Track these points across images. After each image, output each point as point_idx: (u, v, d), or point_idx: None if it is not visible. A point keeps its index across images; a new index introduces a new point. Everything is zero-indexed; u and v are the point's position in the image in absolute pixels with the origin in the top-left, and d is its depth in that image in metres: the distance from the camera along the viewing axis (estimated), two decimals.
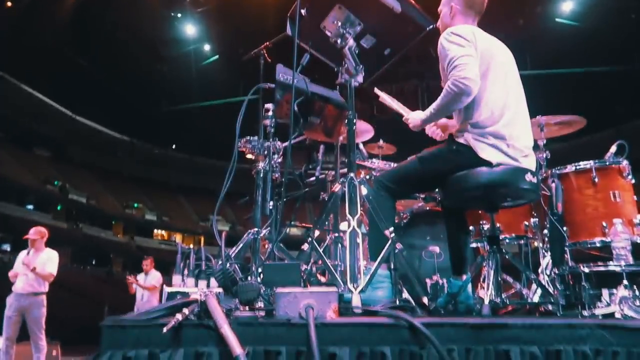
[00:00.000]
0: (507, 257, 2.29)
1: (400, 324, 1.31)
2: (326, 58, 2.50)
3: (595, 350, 1.31)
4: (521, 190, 2.09)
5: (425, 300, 2.07)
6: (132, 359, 1.23)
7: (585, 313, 2.06)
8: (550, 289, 2.35)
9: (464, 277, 2.24)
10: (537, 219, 2.82)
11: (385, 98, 2.51)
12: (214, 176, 26.64)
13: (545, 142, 3.05)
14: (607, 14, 17.80)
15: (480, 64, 2.06)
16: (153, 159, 33.74)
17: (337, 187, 2.17)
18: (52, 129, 29.06)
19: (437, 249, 2.99)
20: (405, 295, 2.21)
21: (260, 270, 1.89)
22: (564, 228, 2.53)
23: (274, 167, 2.59)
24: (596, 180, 2.52)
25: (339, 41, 2.27)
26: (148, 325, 1.28)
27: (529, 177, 2.08)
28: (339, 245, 2.92)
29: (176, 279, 1.89)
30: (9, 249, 20.90)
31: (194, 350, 1.25)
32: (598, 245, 2.46)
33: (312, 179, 3.50)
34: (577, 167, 2.61)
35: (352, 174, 2.15)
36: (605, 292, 2.09)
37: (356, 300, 1.78)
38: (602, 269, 2.17)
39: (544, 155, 2.97)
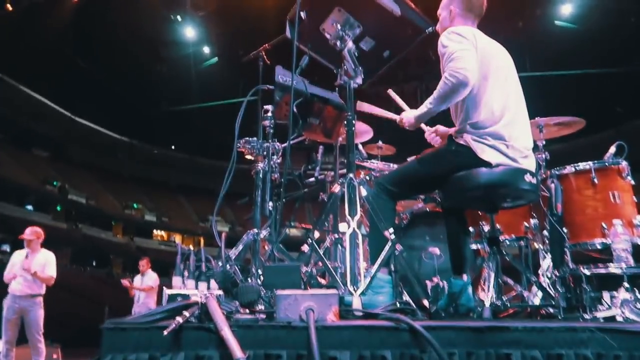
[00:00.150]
0: (507, 258, 2.29)
1: (401, 327, 1.30)
2: (325, 60, 2.50)
3: (597, 354, 1.31)
4: (521, 190, 2.10)
5: (425, 302, 2.06)
6: None
7: (586, 316, 2.06)
8: (551, 292, 2.34)
9: (465, 276, 2.23)
10: (536, 220, 2.81)
11: (367, 109, 2.52)
12: (213, 177, 26.62)
13: (544, 143, 3.05)
14: (605, 16, 17.82)
15: (481, 65, 2.06)
16: (153, 159, 33.72)
17: (336, 188, 2.17)
18: (52, 130, 29.06)
19: (437, 251, 2.99)
20: (406, 297, 2.21)
21: (260, 272, 1.89)
22: (564, 229, 2.53)
23: (273, 167, 2.59)
24: (595, 181, 2.52)
25: (338, 43, 2.27)
26: (148, 328, 1.27)
27: (528, 177, 2.08)
28: (339, 246, 2.91)
29: (176, 280, 1.87)
30: (8, 250, 20.89)
31: (194, 353, 1.24)
32: (598, 246, 2.46)
33: (312, 179, 3.50)
34: (577, 168, 2.61)
35: (351, 175, 2.15)
36: (606, 295, 2.09)
37: (357, 303, 1.78)
38: (602, 271, 2.16)
39: (544, 156, 2.96)
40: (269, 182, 2.54)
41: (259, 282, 1.79)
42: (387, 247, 2.00)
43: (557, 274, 2.37)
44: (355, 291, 1.84)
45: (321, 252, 2.15)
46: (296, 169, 3.38)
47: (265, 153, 2.55)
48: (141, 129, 30.41)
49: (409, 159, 2.67)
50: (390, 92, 2.56)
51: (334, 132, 2.86)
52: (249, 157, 2.61)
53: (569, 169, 2.62)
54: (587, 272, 2.19)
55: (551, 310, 2.27)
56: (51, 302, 5.50)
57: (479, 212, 2.82)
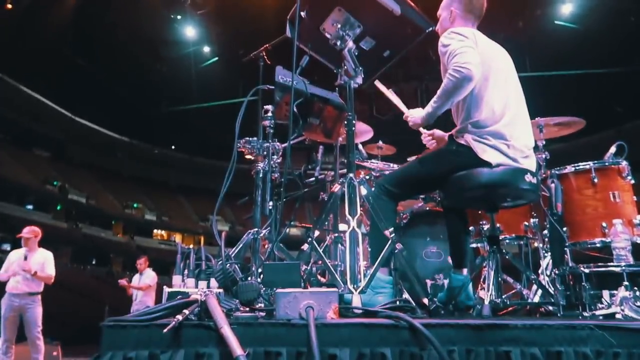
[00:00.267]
0: (507, 257, 2.29)
1: (401, 325, 1.31)
2: (325, 60, 2.50)
3: (596, 352, 1.31)
4: (521, 190, 2.10)
5: (425, 300, 2.07)
6: None
7: (585, 314, 2.06)
8: (551, 290, 2.35)
9: (465, 271, 2.24)
10: (537, 220, 2.82)
11: (385, 91, 2.52)
12: (213, 176, 26.62)
13: (544, 142, 3.05)
14: (606, 16, 17.82)
15: (481, 66, 2.06)
16: (153, 159, 33.74)
17: (336, 188, 2.17)
18: (52, 130, 29.08)
19: (436, 249, 3.00)
20: (405, 295, 2.21)
21: (260, 270, 1.89)
22: (564, 228, 2.54)
23: (274, 167, 2.60)
24: (596, 180, 2.52)
25: (338, 43, 2.27)
26: (148, 326, 1.28)
27: (528, 177, 2.08)
28: (339, 245, 2.92)
29: (176, 279, 1.88)
30: (9, 249, 20.90)
31: (194, 351, 1.25)
32: (598, 245, 2.47)
33: (312, 179, 3.51)
34: (577, 168, 2.61)
35: (351, 174, 2.15)
36: (605, 293, 2.09)
37: (356, 301, 1.78)
38: (602, 269, 2.17)
39: (544, 156, 2.97)
40: (269, 182, 2.55)
41: (259, 280, 1.79)
42: (387, 247, 2.01)
43: (557, 272, 2.37)
44: (355, 289, 1.84)
45: (321, 251, 2.15)
46: (296, 168, 3.38)
47: (265, 153, 2.56)
48: (141, 129, 30.42)
49: (409, 159, 2.68)
50: (377, 83, 2.54)
51: (334, 132, 2.86)
52: (249, 157, 2.61)
53: (569, 168, 2.63)
54: (587, 271, 2.20)
55: (550, 308, 2.27)
56: (52, 301, 5.52)
57: (479, 211, 2.83)
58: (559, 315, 2.14)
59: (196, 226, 34.16)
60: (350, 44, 2.27)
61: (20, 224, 5.95)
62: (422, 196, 3.20)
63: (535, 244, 2.93)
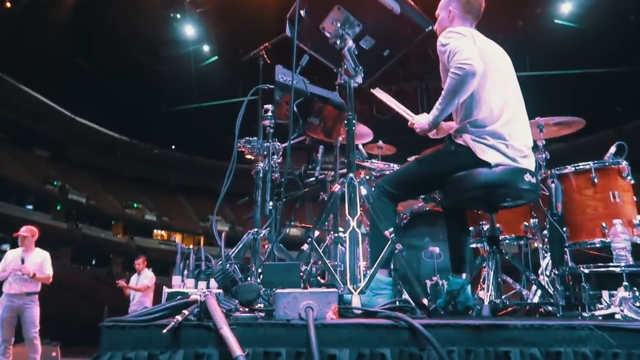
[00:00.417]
0: (507, 257, 2.29)
1: (400, 325, 1.31)
2: (325, 59, 2.50)
3: (596, 352, 1.31)
4: (520, 190, 2.10)
5: (425, 301, 2.07)
6: None
7: (585, 314, 2.06)
8: (550, 290, 2.35)
9: (464, 275, 2.24)
10: (536, 220, 2.82)
11: (385, 99, 2.50)
12: (213, 176, 26.60)
13: (544, 142, 3.05)
14: (606, 15, 17.81)
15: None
16: (153, 159, 33.73)
17: (336, 188, 2.17)
18: (52, 129, 29.07)
19: (436, 250, 2.99)
20: (405, 296, 2.21)
21: (260, 270, 1.89)
22: (564, 228, 2.53)
23: (274, 167, 2.59)
24: (596, 180, 2.52)
25: (338, 42, 2.27)
26: (147, 326, 1.27)
27: (528, 177, 2.08)
28: (339, 245, 2.92)
29: (176, 279, 1.88)
30: (8, 249, 20.90)
31: (193, 351, 1.24)
32: (598, 245, 2.47)
33: (312, 179, 3.50)
34: (577, 168, 2.61)
35: (351, 174, 2.15)
36: (605, 293, 2.09)
37: (356, 301, 1.78)
38: (602, 269, 2.17)
39: (544, 156, 2.97)
40: (269, 182, 2.55)
41: (258, 280, 1.79)
42: (387, 247, 2.00)
43: (557, 273, 2.37)
44: (355, 290, 1.84)
45: (321, 251, 2.15)
46: (296, 168, 3.38)
47: (265, 153, 2.56)
48: (141, 129, 30.41)
49: (409, 159, 2.67)
50: (376, 91, 2.49)
51: (334, 131, 2.86)
52: (249, 156, 2.61)
53: (569, 168, 2.63)
54: (586, 271, 2.20)
55: (550, 308, 2.27)
56: (51, 302, 5.52)
57: (479, 212, 2.82)
58: (558, 315, 2.14)
59: (196, 226, 34.16)
60: (350, 42, 2.26)
61: (20, 224, 5.94)
62: (422, 196, 3.20)
63: (535, 244, 2.93)
